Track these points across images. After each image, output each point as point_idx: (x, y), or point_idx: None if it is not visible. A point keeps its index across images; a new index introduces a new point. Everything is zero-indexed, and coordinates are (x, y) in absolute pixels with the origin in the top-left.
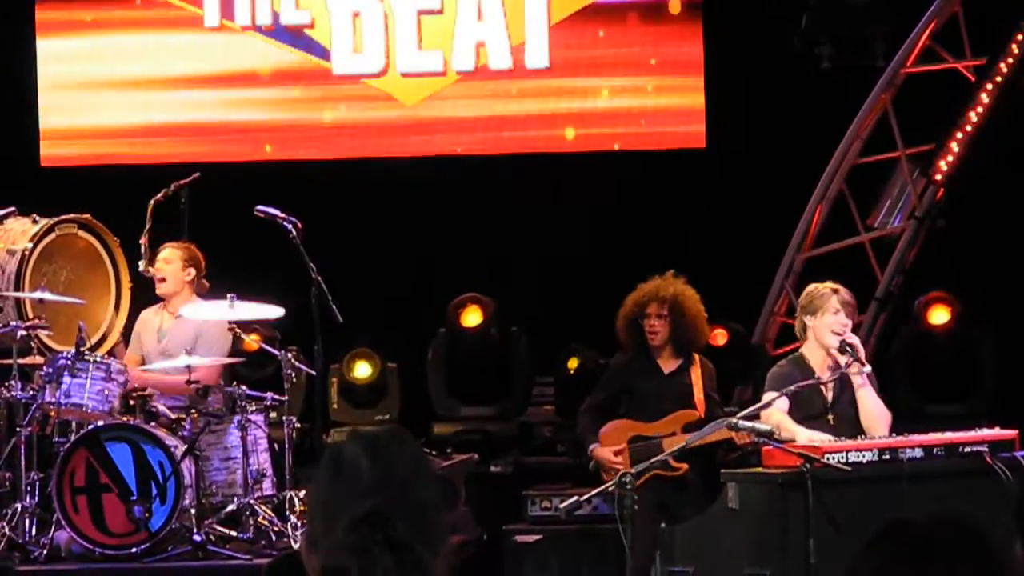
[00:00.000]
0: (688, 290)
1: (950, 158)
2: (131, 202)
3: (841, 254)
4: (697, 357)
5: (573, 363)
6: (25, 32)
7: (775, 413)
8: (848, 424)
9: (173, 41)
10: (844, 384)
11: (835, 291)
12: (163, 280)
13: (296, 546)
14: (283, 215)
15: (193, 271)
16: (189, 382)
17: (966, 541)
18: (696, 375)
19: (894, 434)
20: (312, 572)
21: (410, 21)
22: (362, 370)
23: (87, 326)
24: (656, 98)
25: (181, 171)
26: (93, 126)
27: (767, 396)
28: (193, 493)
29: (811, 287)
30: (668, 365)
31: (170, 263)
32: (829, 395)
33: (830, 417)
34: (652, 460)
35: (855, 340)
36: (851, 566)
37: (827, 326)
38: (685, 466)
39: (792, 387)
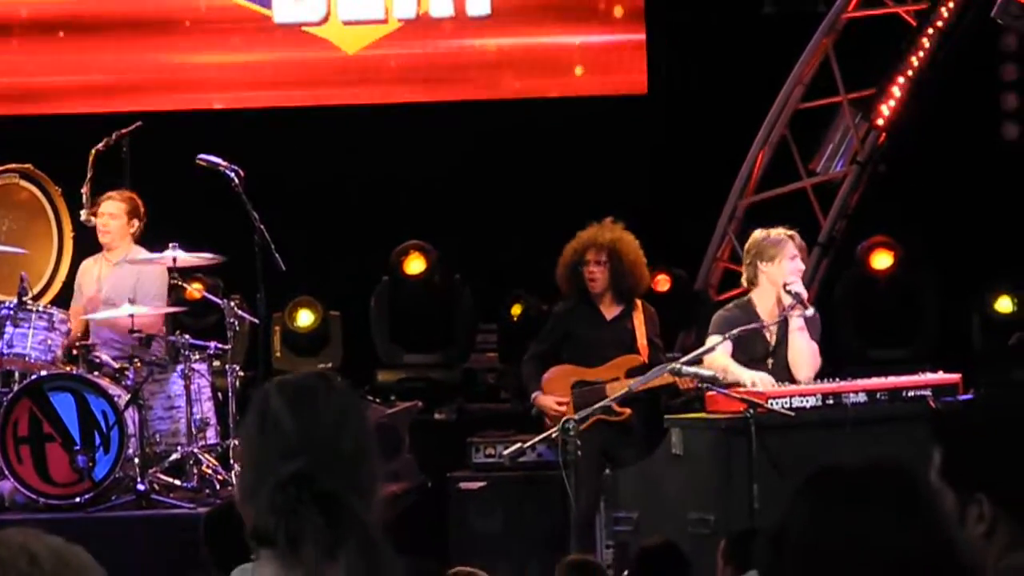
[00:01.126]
0: (627, 236)
1: (892, 103)
2: (72, 151)
3: (783, 199)
4: (639, 302)
5: (516, 310)
6: None
7: (719, 357)
8: (787, 369)
9: None
10: (786, 329)
11: (791, 237)
12: (107, 233)
13: None
14: (225, 163)
15: (136, 222)
16: (131, 330)
17: (897, 486)
18: (639, 320)
19: (837, 379)
20: (247, 524)
21: None
22: (304, 318)
23: (29, 276)
24: (597, 44)
25: (122, 120)
26: (29, 74)
27: (711, 340)
28: (136, 442)
29: (761, 233)
30: (610, 311)
31: (116, 218)
32: (772, 340)
33: (770, 361)
34: (595, 406)
35: (799, 284)
36: (783, 512)
37: (785, 272)
38: (628, 411)
39: (735, 331)
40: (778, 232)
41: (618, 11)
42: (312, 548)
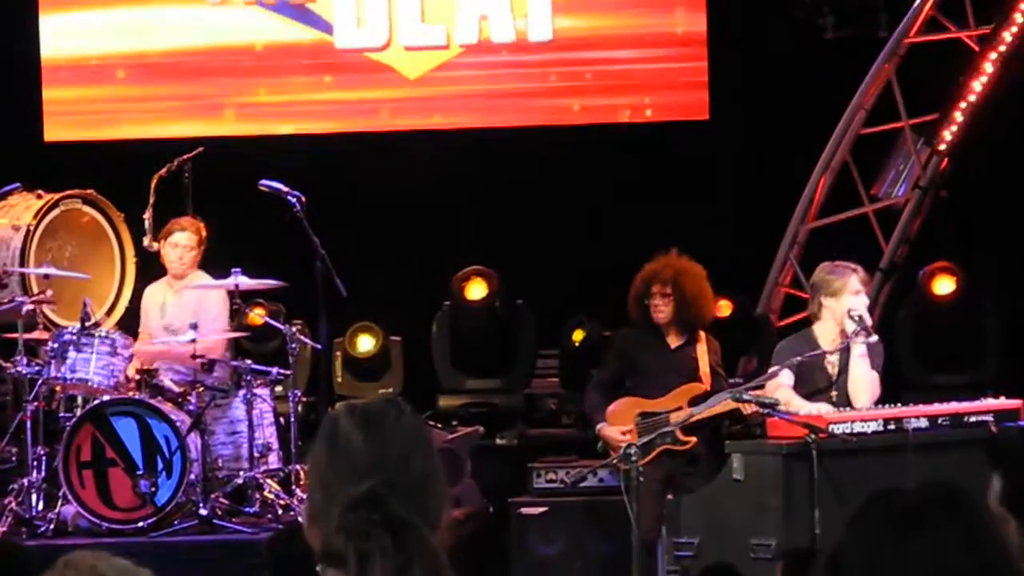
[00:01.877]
0: (693, 268)
1: (954, 128)
2: (135, 177)
3: (845, 225)
4: (702, 334)
5: (578, 335)
6: (28, 7)
7: (781, 388)
8: (848, 398)
9: (175, 15)
10: (848, 357)
11: (854, 270)
12: (183, 264)
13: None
14: (287, 189)
15: (202, 248)
16: (194, 356)
17: (957, 511)
18: (701, 351)
19: (898, 404)
20: (315, 546)
21: None
22: (365, 344)
23: (92, 301)
24: (660, 70)
25: (184, 146)
26: (96, 101)
27: (773, 369)
28: (199, 467)
29: (827, 267)
30: (674, 340)
31: (191, 249)
32: (834, 372)
33: (833, 393)
34: (657, 432)
35: (863, 310)
36: (840, 536)
37: (850, 306)
38: (694, 439)
39: (797, 359)
40: (843, 266)
41: (680, 35)
42: (380, 570)
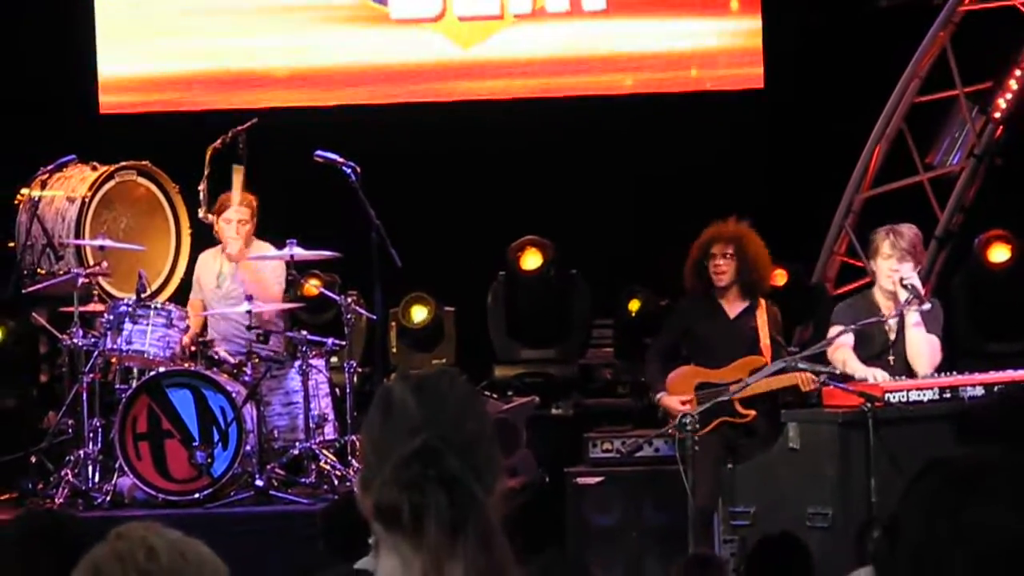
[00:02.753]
0: (752, 231)
1: (1009, 95)
2: (190, 149)
3: (900, 193)
4: (763, 301)
5: (634, 305)
6: None
7: (841, 348)
8: (907, 363)
9: None
10: (904, 324)
11: (888, 234)
12: (238, 240)
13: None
14: (342, 160)
15: (255, 221)
16: (249, 327)
17: (1012, 476)
18: (762, 320)
19: (955, 372)
20: (367, 513)
21: None
22: (418, 314)
23: (147, 273)
24: (714, 39)
25: (239, 117)
26: (151, 73)
27: (833, 330)
28: (255, 438)
29: (876, 229)
30: (733, 308)
31: (246, 223)
32: (892, 335)
33: (891, 357)
34: (714, 400)
35: (914, 278)
36: (898, 503)
37: (880, 272)
38: (753, 413)
39: (855, 324)
40: (881, 230)
41: (735, 5)
42: (435, 527)
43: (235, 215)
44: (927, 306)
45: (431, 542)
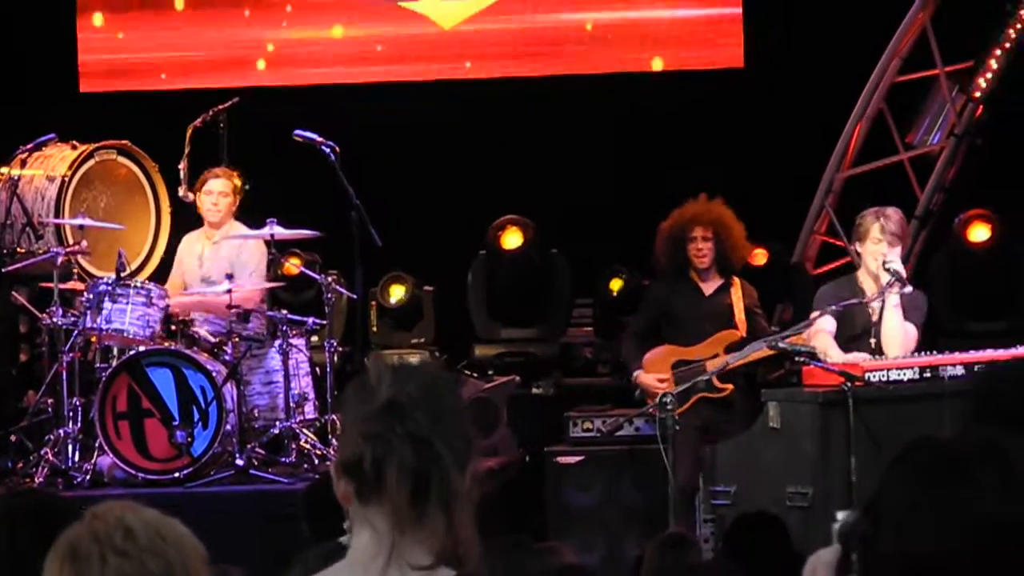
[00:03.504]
0: (728, 211)
1: (989, 75)
2: (170, 128)
3: (881, 173)
4: (736, 279)
5: (616, 284)
6: None
7: (820, 334)
8: None
9: None
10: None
11: (877, 217)
12: (218, 212)
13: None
14: (321, 139)
15: (238, 199)
16: (230, 306)
17: (993, 459)
18: (736, 296)
19: (934, 352)
20: (336, 487)
21: None
22: (396, 293)
23: (127, 252)
24: (694, 18)
25: (220, 96)
26: (131, 51)
27: (814, 315)
28: (235, 418)
29: (862, 212)
30: (708, 287)
31: (225, 196)
32: (875, 317)
33: (872, 340)
34: (694, 380)
35: (898, 262)
36: (879, 483)
37: (870, 253)
38: (730, 387)
39: (836, 306)
40: (871, 212)
41: None
42: (397, 480)
43: (217, 186)
44: (908, 289)
45: (391, 495)
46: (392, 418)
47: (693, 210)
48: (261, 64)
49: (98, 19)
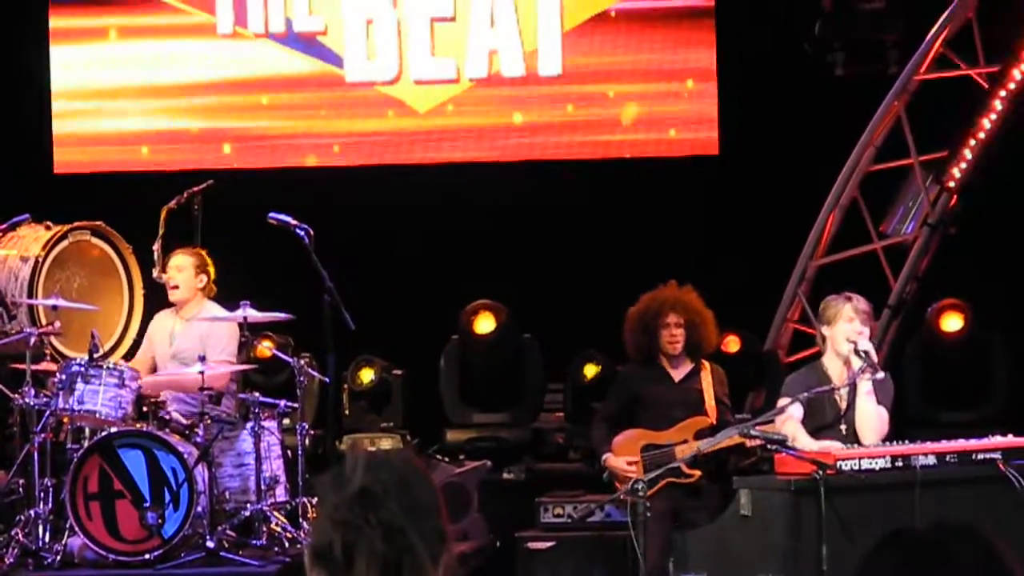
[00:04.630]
0: (699, 298)
1: (963, 165)
2: (144, 209)
3: (854, 261)
4: (706, 363)
5: (591, 370)
6: (39, 39)
7: (790, 424)
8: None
9: (186, 48)
10: (856, 393)
11: (848, 299)
12: (176, 288)
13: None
14: (296, 222)
15: (204, 277)
16: (202, 388)
17: (974, 549)
18: (707, 381)
19: (906, 441)
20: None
21: (423, 28)
22: (366, 377)
23: (100, 333)
24: (669, 105)
25: (194, 179)
26: (106, 133)
27: (782, 402)
28: (206, 500)
29: (828, 298)
30: (678, 372)
31: (182, 271)
32: (843, 404)
33: (842, 427)
34: (665, 467)
35: (868, 346)
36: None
37: (842, 335)
38: (698, 473)
39: (805, 394)
40: (839, 296)
41: (690, 84)
42: (367, 571)
43: (175, 262)
44: (880, 375)
45: None
46: (363, 507)
47: (664, 295)
48: (237, 147)
49: (74, 98)
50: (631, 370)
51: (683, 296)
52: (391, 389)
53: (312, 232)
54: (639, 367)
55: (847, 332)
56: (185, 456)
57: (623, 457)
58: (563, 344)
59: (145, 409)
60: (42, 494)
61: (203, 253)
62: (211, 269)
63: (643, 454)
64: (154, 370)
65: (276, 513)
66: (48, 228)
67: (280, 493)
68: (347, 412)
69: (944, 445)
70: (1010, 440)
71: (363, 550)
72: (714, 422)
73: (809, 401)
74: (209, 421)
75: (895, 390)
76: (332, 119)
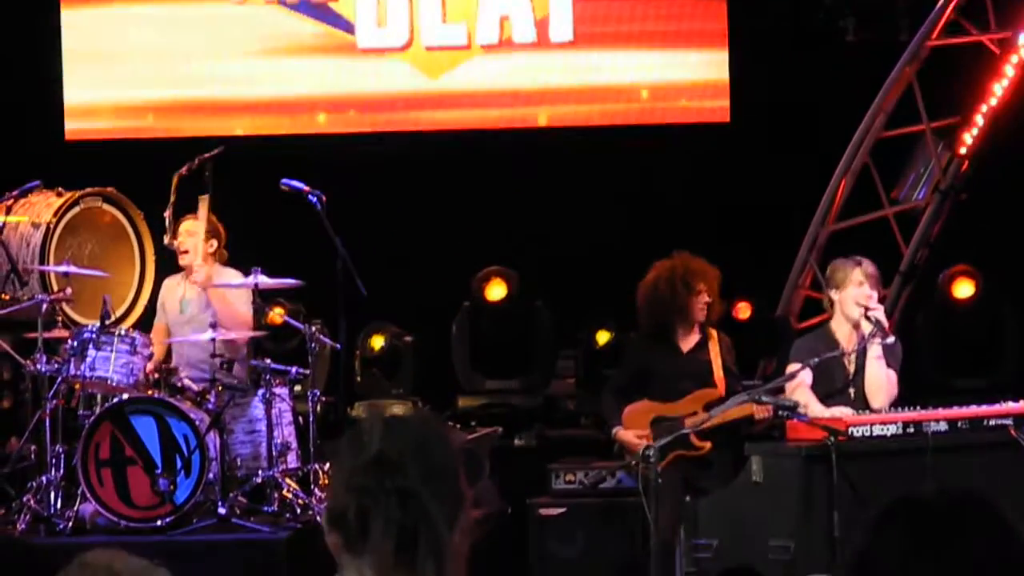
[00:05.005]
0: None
1: (974, 131)
2: (156, 176)
3: (865, 228)
4: (713, 332)
5: (604, 336)
6: (50, 2)
7: (800, 388)
8: (866, 398)
9: (197, 14)
10: (865, 357)
11: (858, 263)
12: (186, 252)
13: (320, 519)
14: (308, 188)
15: (215, 242)
16: (214, 355)
17: (984, 515)
18: (715, 351)
19: (918, 408)
20: (328, 544)
21: None
22: (376, 343)
23: (112, 299)
24: (680, 72)
25: (205, 145)
26: (117, 99)
27: (792, 367)
28: (217, 466)
29: (835, 261)
30: (686, 343)
31: (193, 235)
32: (851, 368)
33: (851, 391)
34: (675, 434)
35: (879, 311)
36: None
37: (851, 299)
38: (708, 445)
39: (815, 359)
40: (848, 259)
41: (701, 50)
42: (382, 533)
43: (186, 227)
44: (891, 340)
45: (376, 547)
46: (379, 472)
47: (696, 265)
48: (248, 113)
49: (85, 63)
50: (639, 342)
51: (707, 267)
52: (401, 356)
53: (324, 198)
54: (647, 338)
55: (856, 296)
56: (197, 423)
57: (633, 430)
58: (574, 311)
59: (157, 376)
60: (54, 461)
61: (212, 218)
62: (222, 234)
63: (653, 427)
64: (168, 337)
65: (288, 480)
66: (60, 194)
67: (291, 460)
68: (359, 379)
69: (956, 411)
70: (1021, 406)
71: (378, 516)
72: (722, 394)
73: (817, 366)
74: (221, 388)
75: (904, 355)
76: (343, 85)
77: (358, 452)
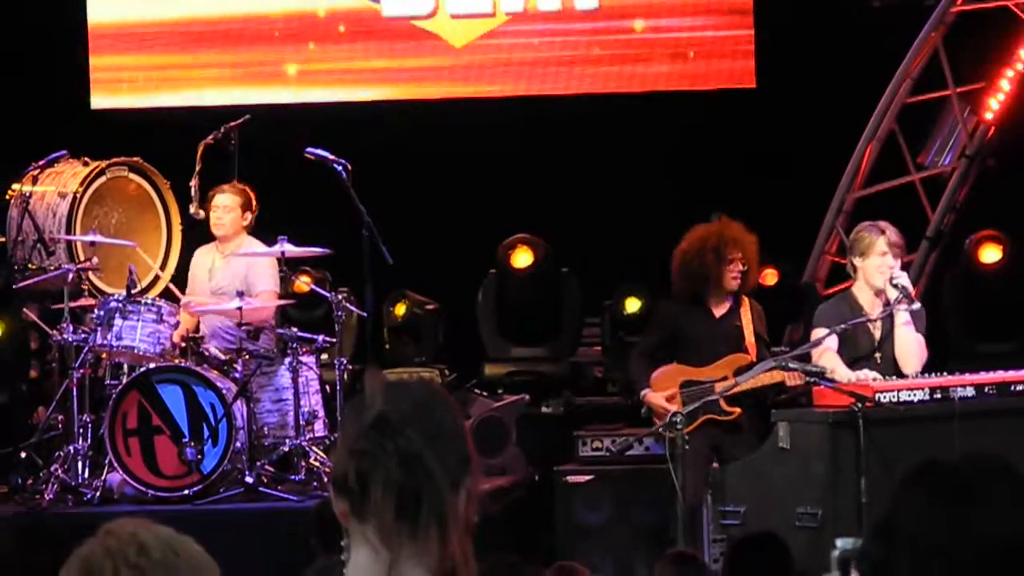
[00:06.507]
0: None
1: (1000, 96)
2: (181, 145)
3: (891, 193)
4: (746, 299)
5: (633, 304)
6: None
7: (827, 356)
8: (893, 363)
9: None
10: (891, 323)
11: (882, 231)
12: (222, 226)
13: None
14: (333, 157)
15: (249, 215)
16: (240, 323)
17: (1009, 480)
18: (746, 318)
19: (945, 373)
20: (336, 512)
21: None
22: (398, 311)
23: (138, 269)
24: (706, 38)
25: (231, 114)
26: (143, 68)
27: (816, 332)
28: (245, 435)
29: (860, 227)
30: (719, 308)
31: (230, 211)
32: (877, 334)
33: (877, 356)
34: (703, 399)
35: (905, 278)
36: (891, 507)
37: (875, 267)
38: (738, 410)
39: (842, 325)
40: (871, 226)
41: (727, 16)
42: (382, 495)
43: (221, 201)
44: (916, 305)
45: (377, 510)
46: (380, 434)
47: (731, 232)
48: (274, 82)
49: (111, 32)
50: (672, 305)
51: (744, 234)
52: (421, 323)
53: (349, 166)
54: (680, 303)
55: (880, 265)
56: (224, 391)
57: (661, 392)
58: (601, 278)
59: (184, 345)
60: (81, 430)
61: (248, 190)
62: (255, 206)
63: (682, 390)
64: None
65: (314, 448)
66: (86, 164)
67: (318, 428)
68: (388, 346)
69: (982, 376)
70: None
71: (378, 479)
72: (753, 359)
73: (843, 332)
74: (247, 356)
75: (930, 320)
76: (368, 54)
77: (360, 416)
